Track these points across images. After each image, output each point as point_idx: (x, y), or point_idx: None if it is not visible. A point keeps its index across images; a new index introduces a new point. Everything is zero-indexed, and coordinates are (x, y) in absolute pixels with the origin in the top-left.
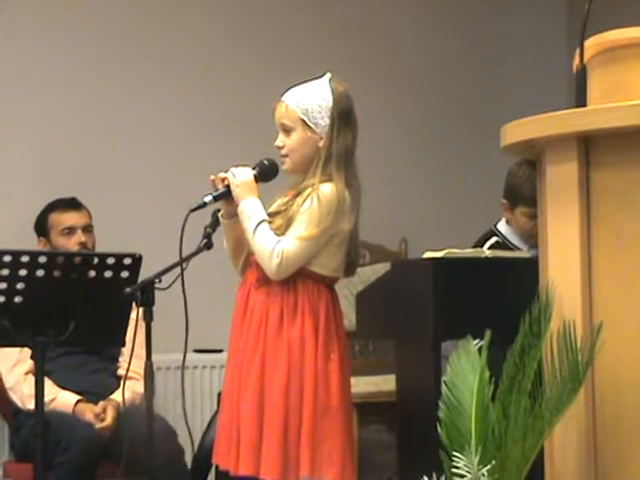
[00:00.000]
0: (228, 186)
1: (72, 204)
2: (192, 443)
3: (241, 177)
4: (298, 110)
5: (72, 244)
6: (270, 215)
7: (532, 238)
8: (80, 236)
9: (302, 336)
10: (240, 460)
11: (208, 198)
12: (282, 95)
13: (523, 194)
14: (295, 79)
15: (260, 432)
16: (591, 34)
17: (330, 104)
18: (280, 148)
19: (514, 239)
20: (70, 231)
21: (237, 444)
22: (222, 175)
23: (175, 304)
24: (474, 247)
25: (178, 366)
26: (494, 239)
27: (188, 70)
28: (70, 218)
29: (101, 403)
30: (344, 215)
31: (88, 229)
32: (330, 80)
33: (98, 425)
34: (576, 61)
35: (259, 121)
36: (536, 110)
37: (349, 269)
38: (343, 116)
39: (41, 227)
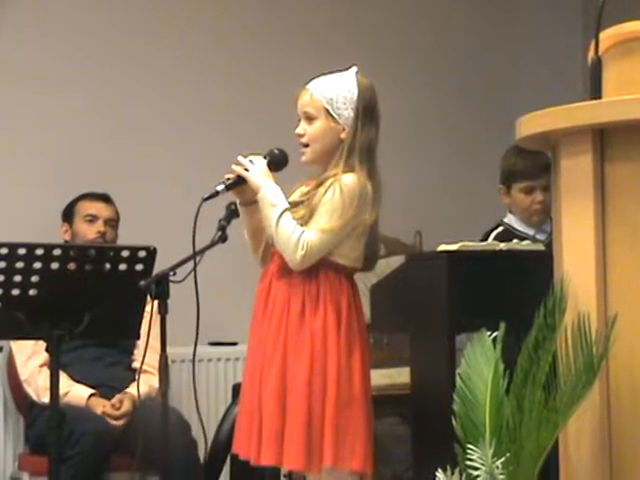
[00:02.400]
0: (239, 176)
1: (101, 197)
2: (205, 436)
3: (257, 165)
4: (323, 99)
5: (91, 232)
6: (292, 205)
7: (533, 217)
8: (100, 226)
9: (325, 327)
10: (262, 450)
11: (220, 187)
12: (307, 83)
13: (515, 170)
14: (311, 73)
15: (283, 423)
16: (606, 26)
17: (355, 96)
18: (300, 136)
19: (520, 226)
20: (92, 219)
21: (258, 434)
22: (234, 167)
23: (190, 297)
24: (481, 241)
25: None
26: (500, 228)
27: (201, 63)
28: (95, 208)
29: (117, 396)
30: (366, 206)
31: (111, 223)
32: (357, 73)
33: (113, 414)
34: (591, 53)
35: (273, 113)
36: (551, 103)
37: (368, 263)
38: (368, 110)
39: (68, 212)
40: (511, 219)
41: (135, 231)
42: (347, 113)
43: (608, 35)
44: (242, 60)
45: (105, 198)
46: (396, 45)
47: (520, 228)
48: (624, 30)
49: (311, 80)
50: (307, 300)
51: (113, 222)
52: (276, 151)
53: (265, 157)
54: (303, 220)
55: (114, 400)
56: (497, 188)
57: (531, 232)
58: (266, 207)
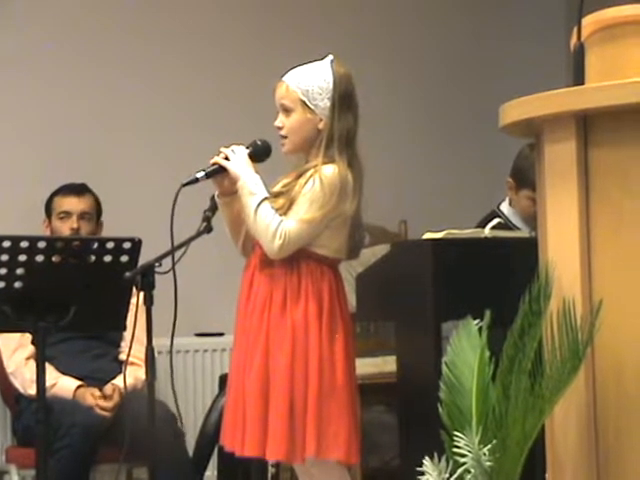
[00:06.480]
0: (220, 165)
1: (74, 190)
2: (182, 426)
3: (238, 155)
4: (298, 91)
5: (65, 229)
6: (272, 195)
7: (534, 221)
8: (73, 222)
9: (306, 318)
10: (246, 442)
11: (200, 174)
12: (283, 75)
13: (530, 178)
14: (294, 62)
15: (265, 414)
16: (589, 12)
17: (330, 86)
18: (279, 128)
19: (516, 220)
20: (65, 216)
21: (243, 425)
22: (215, 159)
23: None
24: (476, 228)
25: (179, 350)
26: (496, 220)
27: (184, 53)
28: (67, 203)
29: (108, 386)
30: (346, 197)
31: (85, 216)
32: (332, 62)
33: (101, 404)
34: (574, 39)
35: (257, 105)
36: (534, 89)
37: (353, 251)
38: (344, 98)
39: (47, 208)
40: (509, 211)
41: (120, 221)
42: (323, 103)
43: (590, 21)
44: (225, 50)
45: (78, 190)
46: (381, 31)
47: (517, 223)
48: (606, 16)
49: (287, 72)
50: (289, 291)
51: (88, 215)
52: (259, 142)
53: (247, 147)
54: (282, 210)
55: (107, 390)
56: (506, 180)
57: (527, 229)
58: (245, 195)
